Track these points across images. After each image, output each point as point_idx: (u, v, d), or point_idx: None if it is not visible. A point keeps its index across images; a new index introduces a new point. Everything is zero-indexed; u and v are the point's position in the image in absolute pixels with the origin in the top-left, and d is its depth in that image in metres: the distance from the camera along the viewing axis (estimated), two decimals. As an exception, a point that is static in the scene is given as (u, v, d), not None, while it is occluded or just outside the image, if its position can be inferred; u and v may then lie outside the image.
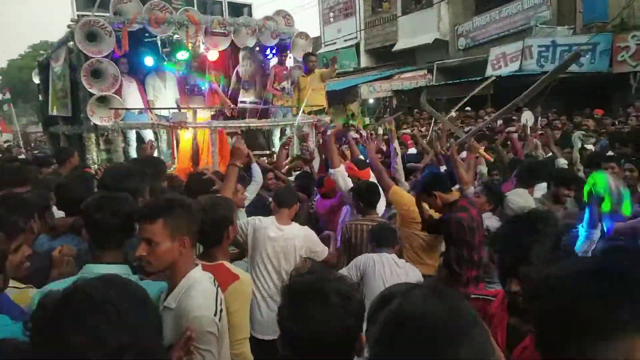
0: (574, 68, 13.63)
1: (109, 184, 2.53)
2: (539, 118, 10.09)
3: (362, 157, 4.86)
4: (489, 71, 14.95)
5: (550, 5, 14.82)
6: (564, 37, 14.23)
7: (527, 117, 9.86)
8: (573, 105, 12.09)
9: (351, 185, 3.89)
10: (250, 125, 6.34)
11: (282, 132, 7.32)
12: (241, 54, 7.36)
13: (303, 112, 7.12)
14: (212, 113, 6.83)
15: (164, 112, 6.64)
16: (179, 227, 1.82)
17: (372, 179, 4.05)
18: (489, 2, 15.79)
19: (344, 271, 3.06)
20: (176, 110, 6.50)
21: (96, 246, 1.95)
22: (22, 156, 11.15)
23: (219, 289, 1.92)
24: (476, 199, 3.78)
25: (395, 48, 19.22)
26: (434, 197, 3.26)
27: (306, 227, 3.46)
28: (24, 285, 1.85)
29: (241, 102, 7.41)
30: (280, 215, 3.32)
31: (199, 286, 1.83)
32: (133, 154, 6.12)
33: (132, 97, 6.43)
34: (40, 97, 9.21)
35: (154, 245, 1.77)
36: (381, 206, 3.93)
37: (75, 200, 2.41)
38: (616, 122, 9.45)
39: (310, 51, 7.62)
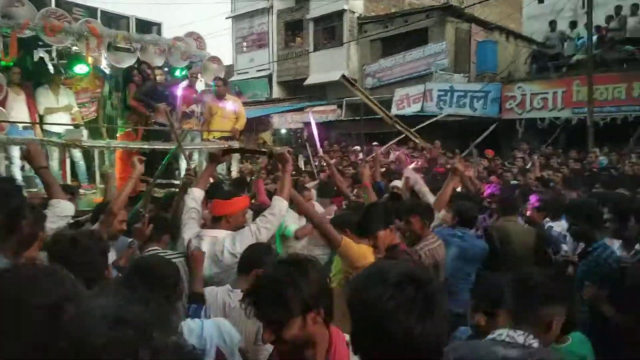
0: (469, 112, 14.88)
1: None
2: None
3: None
4: (394, 110, 15.75)
5: (448, 55, 16.11)
6: (461, 83, 15.49)
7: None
8: (467, 145, 13.05)
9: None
10: (155, 147, 5.92)
11: (190, 157, 6.96)
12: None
13: (213, 137, 6.87)
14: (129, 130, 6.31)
15: (58, 129, 6.03)
16: None
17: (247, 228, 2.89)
18: (395, 47, 16.79)
19: None
20: (71, 127, 5.93)
21: None
22: None
23: None
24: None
25: (307, 82, 19.64)
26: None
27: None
28: None
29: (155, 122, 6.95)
30: None
31: None
32: (17, 172, 5.43)
33: (18, 110, 5.77)
34: None
35: None
36: None
37: None
38: (505, 163, 10.31)
39: (222, 77, 7.42)
